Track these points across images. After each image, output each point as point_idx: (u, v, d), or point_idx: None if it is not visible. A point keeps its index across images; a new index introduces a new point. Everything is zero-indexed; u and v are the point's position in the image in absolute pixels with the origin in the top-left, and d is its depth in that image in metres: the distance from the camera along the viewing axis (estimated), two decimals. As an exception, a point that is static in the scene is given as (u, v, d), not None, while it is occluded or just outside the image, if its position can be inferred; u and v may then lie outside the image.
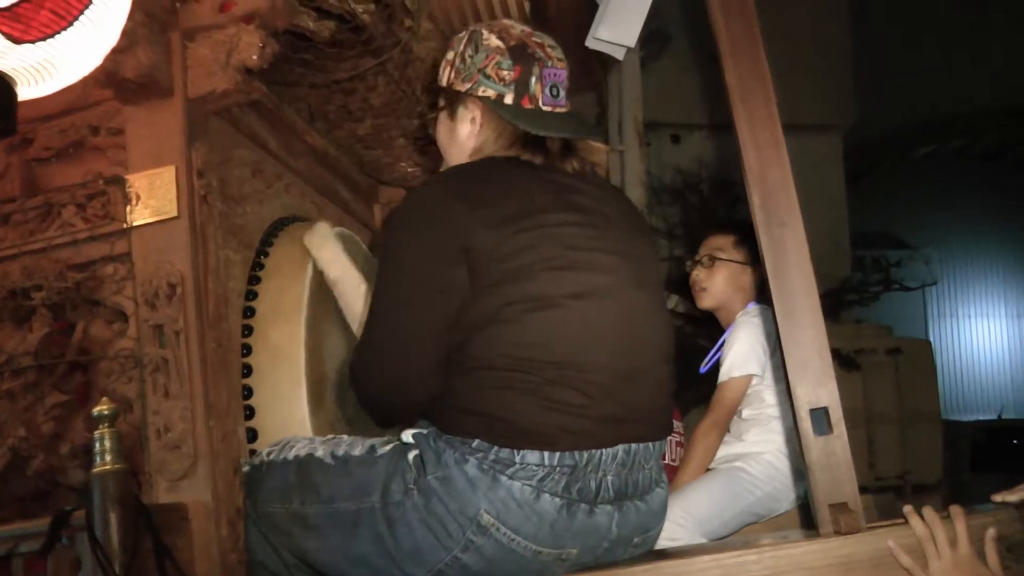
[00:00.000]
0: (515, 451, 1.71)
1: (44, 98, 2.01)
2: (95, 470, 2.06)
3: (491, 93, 1.96)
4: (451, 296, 1.78)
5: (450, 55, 2.05)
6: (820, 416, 1.93)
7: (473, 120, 2.00)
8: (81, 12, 1.75)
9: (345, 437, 2.02)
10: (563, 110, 2.00)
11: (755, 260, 3.01)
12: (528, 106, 1.96)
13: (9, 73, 1.83)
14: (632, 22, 2.79)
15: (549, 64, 1.98)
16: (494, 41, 1.99)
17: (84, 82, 2.20)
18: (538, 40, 2.02)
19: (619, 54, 2.93)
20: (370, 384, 1.91)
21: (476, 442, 1.73)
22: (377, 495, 1.81)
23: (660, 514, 1.99)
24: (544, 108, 1.96)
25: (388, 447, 1.88)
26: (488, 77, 1.97)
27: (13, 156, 2.66)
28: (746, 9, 2.12)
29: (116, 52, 2.16)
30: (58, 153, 2.64)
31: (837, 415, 1.91)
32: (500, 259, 1.76)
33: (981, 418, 11.99)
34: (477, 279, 1.77)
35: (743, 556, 1.86)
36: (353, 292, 2.43)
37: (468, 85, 1.99)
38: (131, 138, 2.50)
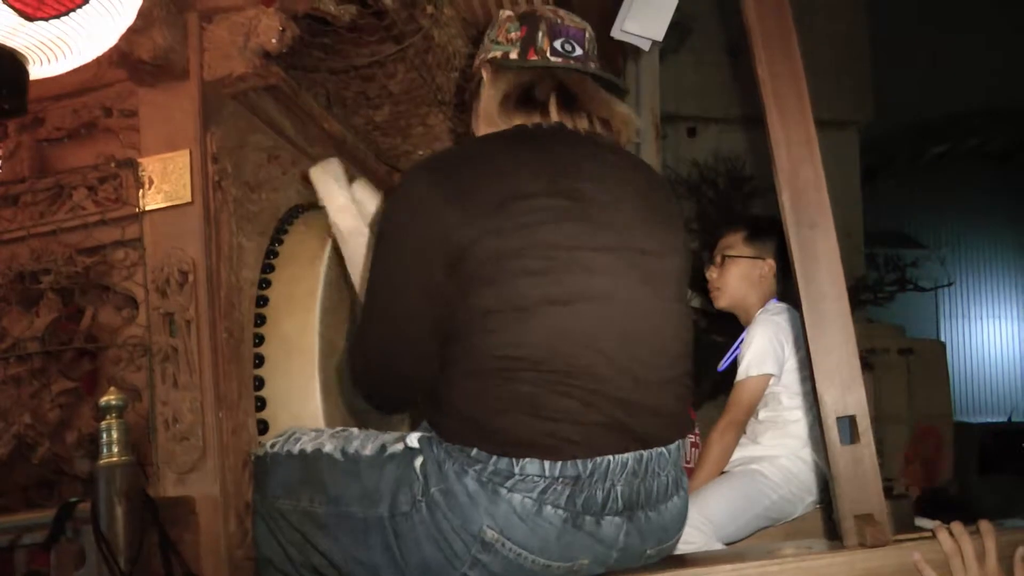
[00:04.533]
0: (514, 461, 1.64)
1: (56, 77, 1.97)
2: (101, 462, 2.02)
3: (498, 53, 1.95)
4: (436, 294, 1.71)
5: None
6: (847, 425, 1.87)
7: (483, 84, 1.98)
8: (97, -10, 1.70)
9: (355, 431, 1.95)
10: (577, 65, 1.93)
11: (769, 253, 2.97)
12: (533, 58, 1.92)
13: (21, 51, 1.78)
14: (660, 16, 2.74)
15: (559, 22, 1.94)
16: (506, 13, 2.00)
17: (98, 62, 2.15)
18: (552, 8, 1.98)
19: (645, 45, 2.88)
20: (365, 377, 1.88)
21: (475, 451, 1.66)
22: (385, 505, 1.74)
23: (676, 525, 1.91)
24: (552, 59, 1.91)
25: (398, 447, 1.79)
26: (497, 42, 1.96)
27: (24, 136, 2.60)
28: (781, 4, 2.06)
29: (131, 32, 2.11)
30: (70, 134, 2.57)
31: (865, 424, 1.86)
32: (482, 260, 1.68)
33: (991, 420, 11.93)
34: (460, 278, 1.69)
35: (765, 567, 1.81)
36: (361, 250, 2.29)
37: (482, 56, 1.99)
38: (145, 121, 2.43)
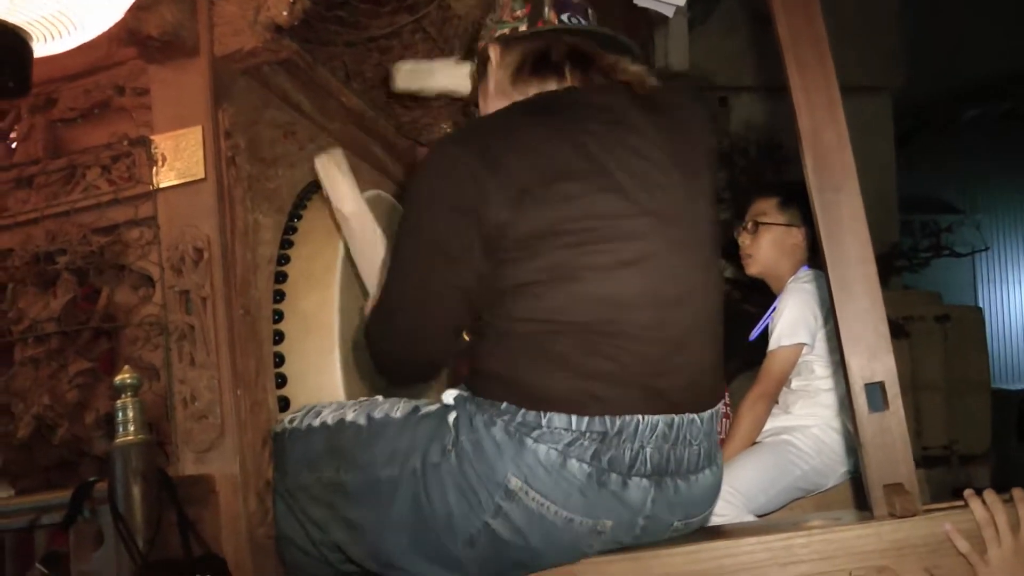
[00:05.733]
0: (541, 414, 1.67)
1: (68, 57, 1.96)
2: (117, 441, 2.02)
3: (505, 30, 1.98)
4: (466, 262, 1.74)
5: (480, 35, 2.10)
6: (875, 391, 1.83)
7: (491, 63, 2.00)
8: (96, -38, 1.68)
9: (380, 398, 1.99)
10: (586, 27, 1.98)
11: (803, 221, 2.93)
12: (542, 27, 1.95)
13: (23, 27, 1.76)
14: (683, -19, 2.68)
15: None
16: None
17: (108, 40, 2.14)
18: None
19: (669, 12, 2.83)
20: (384, 343, 1.92)
21: (504, 405, 1.69)
22: (418, 458, 1.77)
23: (707, 499, 1.91)
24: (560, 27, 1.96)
25: (433, 407, 1.84)
26: (502, 22, 1.99)
27: (37, 117, 2.59)
28: (800, -37, 2.00)
29: (139, 9, 2.10)
30: (83, 114, 2.57)
31: (894, 391, 1.82)
32: (519, 237, 1.70)
33: (1031, 386, 11.73)
34: (496, 249, 1.72)
35: (791, 539, 1.78)
36: (367, 235, 2.33)
37: (487, 37, 2.02)
38: (156, 98, 2.41)
